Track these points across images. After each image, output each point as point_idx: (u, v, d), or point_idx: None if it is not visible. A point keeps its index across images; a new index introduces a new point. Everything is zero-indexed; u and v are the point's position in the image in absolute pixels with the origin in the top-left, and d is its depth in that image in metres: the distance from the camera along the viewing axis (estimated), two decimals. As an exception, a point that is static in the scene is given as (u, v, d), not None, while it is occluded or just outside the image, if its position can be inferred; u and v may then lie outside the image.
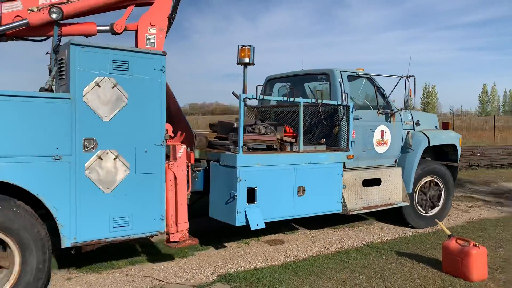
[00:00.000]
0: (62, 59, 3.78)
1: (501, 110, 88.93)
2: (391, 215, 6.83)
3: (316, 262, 4.90)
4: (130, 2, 5.10)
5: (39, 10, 4.61)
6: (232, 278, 4.35)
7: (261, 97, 5.22)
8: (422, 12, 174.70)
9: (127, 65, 3.87)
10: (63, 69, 3.76)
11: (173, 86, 4.95)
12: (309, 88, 6.76)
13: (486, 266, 4.50)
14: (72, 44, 3.62)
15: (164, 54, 4.13)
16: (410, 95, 6.15)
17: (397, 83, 6.26)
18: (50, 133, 3.51)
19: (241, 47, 7.25)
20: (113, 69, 3.80)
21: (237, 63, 7.35)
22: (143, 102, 3.96)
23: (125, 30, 5.13)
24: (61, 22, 4.82)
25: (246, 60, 7.21)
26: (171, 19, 5.23)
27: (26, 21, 4.51)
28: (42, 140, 3.48)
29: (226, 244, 5.49)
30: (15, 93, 3.39)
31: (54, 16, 4.15)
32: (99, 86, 3.73)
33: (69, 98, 3.60)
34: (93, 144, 3.71)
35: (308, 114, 5.95)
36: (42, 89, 3.95)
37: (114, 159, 3.82)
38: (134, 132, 3.92)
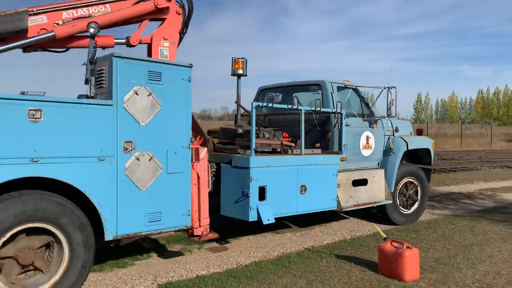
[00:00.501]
0: (102, 69, 4.18)
1: (433, 118, 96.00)
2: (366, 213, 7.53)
3: (259, 268, 4.92)
4: (145, 17, 5.55)
5: (64, 23, 4.99)
6: (173, 287, 4.28)
7: (270, 105, 5.76)
8: (363, 24, 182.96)
9: (160, 75, 4.32)
10: (103, 78, 4.15)
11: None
12: (297, 98, 7.37)
13: (418, 266, 4.67)
14: (114, 56, 4.04)
15: (190, 66, 4.60)
16: (392, 104, 6.90)
17: (380, 93, 7.02)
18: (95, 136, 3.90)
19: (235, 59, 7.78)
20: (148, 79, 4.25)
21: (231, 75, 7.87)
22: (173, 108, 4.42)
23: (140, 43, 5.59)
24: (82, 35, 5.23)
25: (240, 71, 7.72)
26: (182, 34, 5.72)
27: (53, 33, 4.88)
28: (88, 142, 3.86)
29: (168, 252, 5.42)
30: (68, 100, 3.77)
31: (92, 30, 4.54)
32: (137, 94, 4.16)
33: (112, 105, 4.00)
34: (132, 146, 4.11)
35: (306, 120, 6.56)
36: (81, 96, 4.32)
37: (149, 159, 4.24)
38: (165, 135, 4.36)
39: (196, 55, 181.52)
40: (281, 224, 6.94)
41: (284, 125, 6.76)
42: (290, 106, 5.69)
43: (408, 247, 4.55)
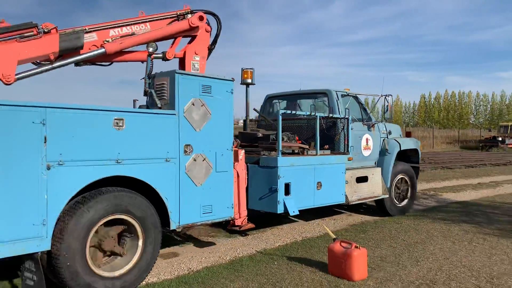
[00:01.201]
0: (163, 83, 4.88)
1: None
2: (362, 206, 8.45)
3: (211, 273, 4.89)
4: (180, 35, 6.29)
5: (113, 41, 5.65)
6: (121, 298, 4.10)
7: (294, 112, 6.56)
8: (313, 30, 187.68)
9: (210, 88, 5.06)
10: (164, 91, 4.85)
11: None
12: (314, 105, 8.16)
13: (366, 265, 4.77)
14: (176, 72, 4.75)
15: (232, 80, 5.36)
16: (389, 110, 7.86)
17: (378, 100, 7.97)
18: (163, 140, 4.60)
19: (244, 69, 8.56)
20: (202, 92, 4.98)
21: (241, 83, 8.64)
22: (220, 116, 5.16)
23: (174, 57, 6.30)
24: (126, 50, 5.89)
25: (249, 80, 8.51)
26: (210, 49, 6.47)
27: (104, 50, 5.55)
28: (158, 146, 4.56)
29: None
30: (143, 110, 4.46)
31: (151, 49, 5.23)
32: (193, 105, 4.88)
33: (175, 114, 4.71)
34: (190, 149, 4.83)
35: (311, 125, 7.41)
36: (142, 107, 4.99)
37: (203, 160, 4.97)
38: (214, 139, 5.10)
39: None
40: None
41: (294, 130, 7.58)
42: (308, 113, 6.52)
43: (356, 247, 4.64)
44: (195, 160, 4.88)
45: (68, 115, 3.91)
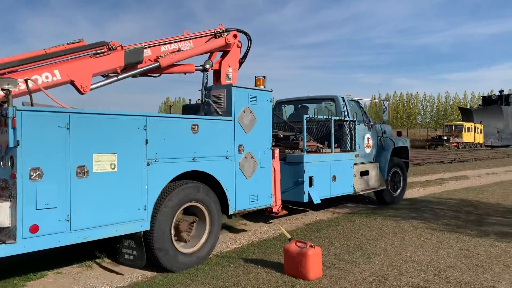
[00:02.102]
0: (220, 94, 5.88)
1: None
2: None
3: (166, 278, 4.78)
4: (216, 50, 7.30)
5: (165, 56, 6.61)
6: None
7: (316, 116, 7.66)
8: (267, 32, 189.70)
9: (256, 98, 6.11)
10: (221, 101, 5.86)
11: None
12: (330, 110, 9.26)
13: (321, 264, 4.83)
14: (233, 86, 5.77)
15: (271, 90, 6.42)
16: (388, 113, 9.11)
17: (377, 104, 9.18)
18: (223, 141, 5.62)
19: (257, 77, 9.61)
20: (250, 101, 6.03)
21: (255, 90, 9.67)
22: (262, 121, 6.22)
23: (211, 69, 7.30)
24: (176, 64, 6.84)
25: (261, 87, 9.59)
26: (241, 62, 7.52)
27: (158, 64, 6.50)
28: (220, 146, 5.57)
29: (65, 269, 5.06)
30: (210, 117, 5.47)
31: (208, 66, 6.23)
32: (244, 112, 5.92)
33: (231, 120, 5.74)
34: (242, 148, 5.87)
35: (320, 126, 8.56)
36: (200, 114, 5.98)
37: (251, 157, 6.02)
38: (259, 140, 6.15)
39: None
40: None
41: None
42: (325, 117, 7.67)
43: (311, 246, 4.69)
44: (245, 157, 5.92)
45: (161, 122, 4.88)
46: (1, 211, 3.76)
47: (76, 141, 4.13)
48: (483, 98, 52.87)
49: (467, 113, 48.14)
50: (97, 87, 6.05)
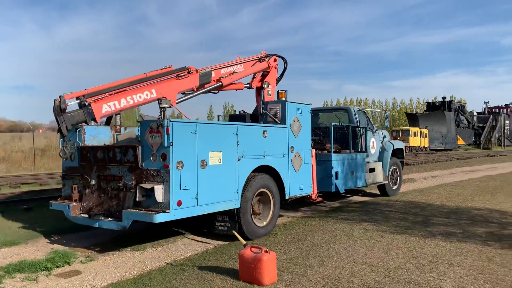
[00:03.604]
0: (275, 108, 7.71)
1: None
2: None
3: None
4: (259, 71, 9.14)
5: (225, 77, 8.41)
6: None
7: (340, 123, 9.57)
8: (222, 37, 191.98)
9: (301, 110, 7.98)
10: (277, 113, 7.68)
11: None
12: (342, 117, 11.22)
13: (276, 269, 4.84)
14: (287, 102, 7.61)
15: (310, 104, 8.30)
16: (389, 121, 11.14)
17: (379, 114, 11.20)
18: (281, 143, 7.45)
19: (280, 91, 11.48)
20: (297, 112, 7.89)
21: (277, 101, 11.53)
22: (305, 127, 8.08)
23: (254, 86, 9.14)
24: (232, 83, 8.64)
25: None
26: (278, 80, 9.39)
27: (221, 83, 8.30)
28: (279, 147, 7.40)
29: (6, 283, 4.97)
30: (273, 125, 7.31)
31: (265, 86, 8.07)
32: (294, 121, 7.77)
33: (286, 127, 7.58)
34: (293, 149, 7.71)
35: (335, 131, 10.48)
36: (259, 121, 7.80)
37: (299, 156, 7.86)
38: (303, 142, 8.01)
39: (43, 60, 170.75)
40: (144, 239, 6.92)
41: (321, 134, 10.61)
42: (346, 124, 9.61)
43: (266, 251, 4.69)
44: (295, 156, 7.77)
45: (245, 129, 6.69)
46: (157, 191, 5.48)
47: (200, 142, 5.89)
48: (428, 104, 54.58)
49: (413, 119, 49.60)
50: (180, 102, 7.82)
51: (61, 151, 6.78)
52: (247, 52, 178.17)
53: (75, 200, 6.53)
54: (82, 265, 5.61)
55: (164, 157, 5.55)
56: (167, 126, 5.48)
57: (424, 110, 54.07)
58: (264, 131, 7.06)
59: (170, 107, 5.86)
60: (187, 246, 6.52)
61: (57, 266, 5.50)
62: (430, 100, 58.03)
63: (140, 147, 5.78)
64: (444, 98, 51.50)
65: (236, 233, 5.50)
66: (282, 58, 9.37)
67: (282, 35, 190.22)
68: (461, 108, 50.85)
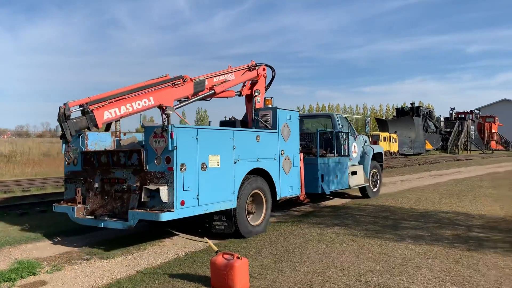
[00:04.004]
0: (267, 114, 8.22)
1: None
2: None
3: None
4: (249, 80, 9.66)
5: (218, 85, 8.89)
6: None
7: (325, 129, 10.13)
8: (194, 42, 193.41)
9: (290, 116, 8.51)
10: (268, 119, 8.19)
11: None
12: (330, 124, 11.83)
13: (248, 275, 4.79)
14: (277, 108, 8.13)
15: (298, 110, 8.84)
16: (369, 127, 11.77)
17: (359, 120, 11.85)
18: (272, 147, 7.95)
19: (266, 98, 12.03)
20: (287, 119, 8.41)
21: (264, 108, 12.07)
22: (294, 133, 8.61)
23: (244, 94, 9.65)
24: (224, 91, 9.11)
25: (270, 106, 12.03)
26: (266, 88, 9.92)
27: (213, 91, 8.78)
28: (270, 151, 7.90)
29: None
30: (266, 130, 7.80)
31: (256, 94, 8.57)
32: (284, 127, 8.29)
33: (276, 132, 8.09)
34: (283, 153, 8.22)
35: (321, 136, 11.06)
36: (252, 127, 8.28)
37: (288, 159, 8.38)
38: (292, 147, 8.53)
39: (8, 63, 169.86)
40: (113, 246, 6.82)
41: (306, 139, 11.17)
42: (330, 130, 10.19)
43: (238, 258, 4.66)
44: (285, 159, 8.28)
45: (241, 134, 7.17)
46: (162, 192, 5.88)
47: (200, 146, 6.33)
48: (397, 109, 55.13)
49: (383, 124, 50.17)
50: (176, 108, 8.23)
51: (66, 156, 7.09)
52: (220, 57, 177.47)
53: (79, 203, 6.84)
54: (48, 275, 5.41)
55: (169, 160, 5.96)
56: (171, 131, 5.90)
57: (393, 116, 55.02)
58: (257, 136, 7.55)
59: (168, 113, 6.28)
60: (157, 254, 6.43)
61: (21, 277, 5.29)
62: (399, 106, 59.02)
63: (144, 151, 6.18)
64: (412, 104, 52.45)
65: (208, 240, 5.36)
66: (271, 67, 9.91)
67: (256, 40, 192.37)
68: (429, 114, 52.07)
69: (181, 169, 6.00)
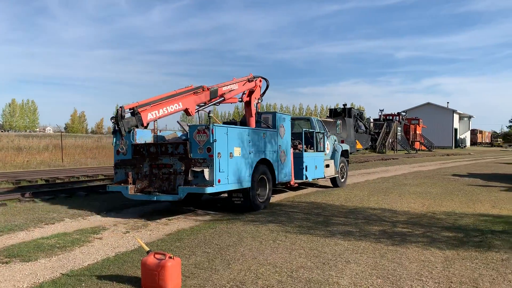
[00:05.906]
0: (267, 117, 10.57)
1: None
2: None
3: None
4: (248, 89, 11.99)
5: (227, 93, 11.17)
6: None
7: (309, 129, 12.62)
8: (130, 35, 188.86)
9: (285, 119, 10.93)
10: (269, 121, 10.54)
11: None
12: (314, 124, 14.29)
13: (180, 275, 4.72)
14: (276, 113, 10.52)
15: (290, 114, 11.26)
16: (340, 128, 14.42)
17: (333, 122, 14.49)
18: (273, 143, 10.32)
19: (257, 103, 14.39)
20: (282, 121, 10.83)
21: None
22: (287, 131, 11.02)
23: (243, 101, 11.97)
24: (230, 97, 11.40)
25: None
26: (262, 95, 12.29)
27: (223, 98, 11.05)
28: (272, 145, 10.26)
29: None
30: (269, 129, 10.16)
31: (260, 101, 10.92)
32: (281, 127, 10.68)
33: (275, 131, 10.47)
34: (279, 147, 10.60)
35: (300, 135, 13.57)
36: (257, 127, 10.62)
37: (283, 152, 10.77)
38: (286, 143, 10.94)
39: None
40: (35, 249, 6.29)
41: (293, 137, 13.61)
42: (311, 130, 12.71)
43: (170, 257, 4.58)
44: (282, 152, 10.67)
45: (254, 132, 9.48)
46: (206, 172, 8.09)
47: (229, 140, 8.58)
48: (330, 110, 55.58)
49: None
50: (197, 111, 10.40)
51: (119, 147, 9.08)
52: (159, 52, 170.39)
53: (130, 183, 8.87)
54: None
55: (209, 149, 8.18)
56: (212, 129, 8.13)
57: (327, 116, 56.49)
58: (263, 133, 9.90)
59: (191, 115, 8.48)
60: (85, 255, 6.06)
61: None
62: (332, 107, 59.72)
63: (189, 143, 8.35)
64: (345, 105, 53.27)
65: (139, 240, 5.25)
66: (265, 79, 12.26)
67: (195, 37, 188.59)
68: (360, 115, 53.21)
69: (218, 156, 8.23)
